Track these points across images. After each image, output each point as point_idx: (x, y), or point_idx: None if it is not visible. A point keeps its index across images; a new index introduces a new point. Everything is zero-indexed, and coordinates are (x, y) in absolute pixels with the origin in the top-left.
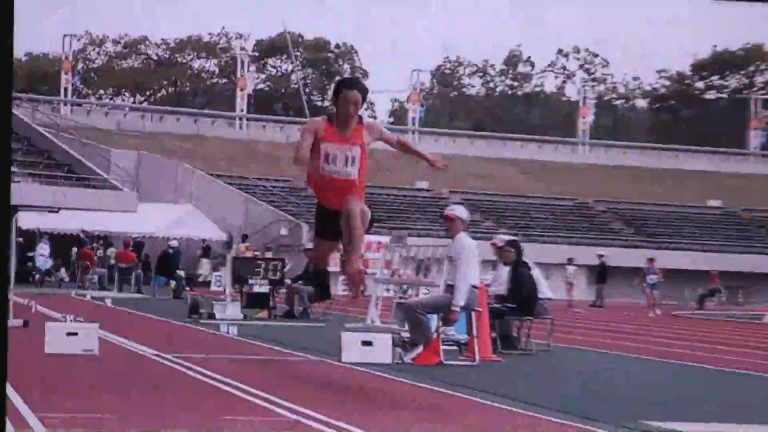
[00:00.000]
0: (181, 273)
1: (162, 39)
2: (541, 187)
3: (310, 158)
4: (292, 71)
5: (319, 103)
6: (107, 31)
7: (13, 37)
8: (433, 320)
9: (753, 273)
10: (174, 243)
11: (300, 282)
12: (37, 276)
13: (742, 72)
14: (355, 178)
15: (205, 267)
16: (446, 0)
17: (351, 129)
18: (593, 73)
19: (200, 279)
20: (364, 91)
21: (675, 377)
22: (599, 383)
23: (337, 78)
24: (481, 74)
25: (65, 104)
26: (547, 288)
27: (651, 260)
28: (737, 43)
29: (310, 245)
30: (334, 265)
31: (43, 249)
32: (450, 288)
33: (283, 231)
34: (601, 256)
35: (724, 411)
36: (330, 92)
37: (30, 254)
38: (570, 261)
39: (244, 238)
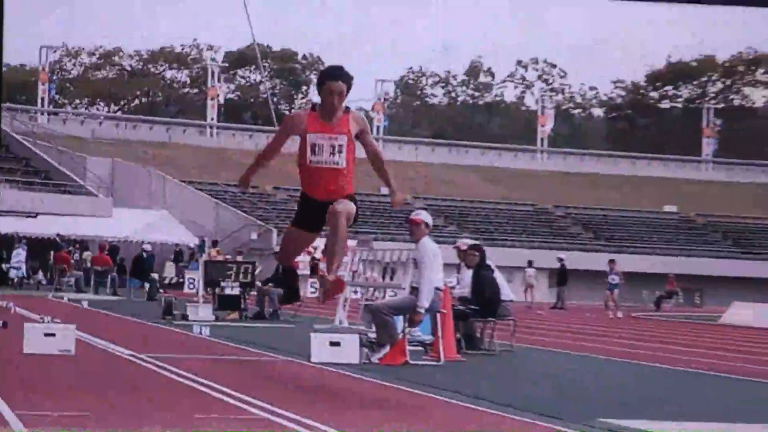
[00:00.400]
0: (155, 276)
1: (135, 50)
2: (501, 193)
3: (297, 154)
4: (261, 81)
5: (287, 112)
6: (83, 43)
7: (2, 49)
8: (399, 321)
9: (709, 276)
10: (148, 247)
11: (270, 284)
12: (15, 279)
13: (696, 82)
14: (343, 166)
15: (171, 270)
16: (412, 15)
17: (337, 119)
18: (551, 84)
19: (166, 281)
20: (348, 80)
21: (635, 377)
22: (561, 383)
23: (321, 68)
24: (443, 84)
25: (42, 113)
26: (509, 290)
27: (612, 262)
28: (691, 54)
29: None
30: (303, 267)
31: (20, 254)
32: (415, 290)
33: (253, 235)
34: (561, 259)
35: (683, 410)
36: (297, 100)
37: (9, 262)
38: (530, 264)
39: (215, 243)
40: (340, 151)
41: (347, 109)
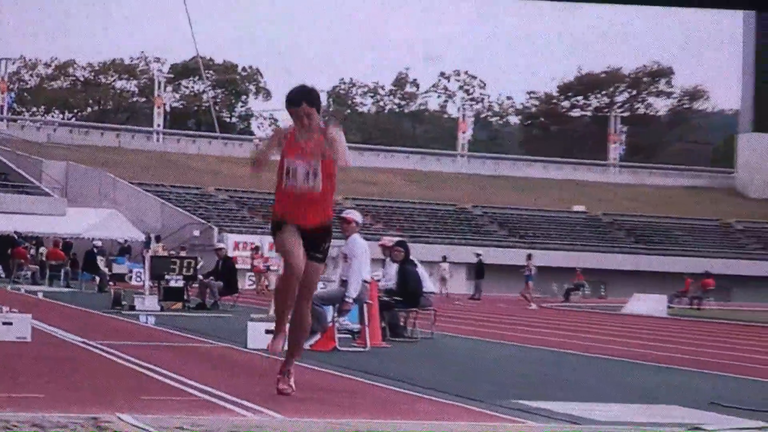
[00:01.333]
0: (105, 270)
1: (88, 62)
2: (424, 194)
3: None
4: (204, 91)
5: (228, 120)
6: (39, 55)
7: None
8: (329, 311)
9: (613, 269)
10: (98, 243)
11: (211, 278)
12: None
13: (603, 92)
14: (317, 191)
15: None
16: (347, 29)
17: (312, 141)
18: (472, 94)
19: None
20: (310, 98)
21: (546, 362)
22: (478, 367)
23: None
24: (371, 94)
25: (1, 120)
26: (430, 283)
27: (529, 257)
28: (599, 67)
29: (220, 245)
30: (242, 262)
31: None
32: (344, 283)
33: (196, 232)
34: (478, 254)
35: (590, 392)
36: (237, 109)
37: None
38: (444, 259)
39: (158, 239)
40: (314, 177)
41: (326, 124)
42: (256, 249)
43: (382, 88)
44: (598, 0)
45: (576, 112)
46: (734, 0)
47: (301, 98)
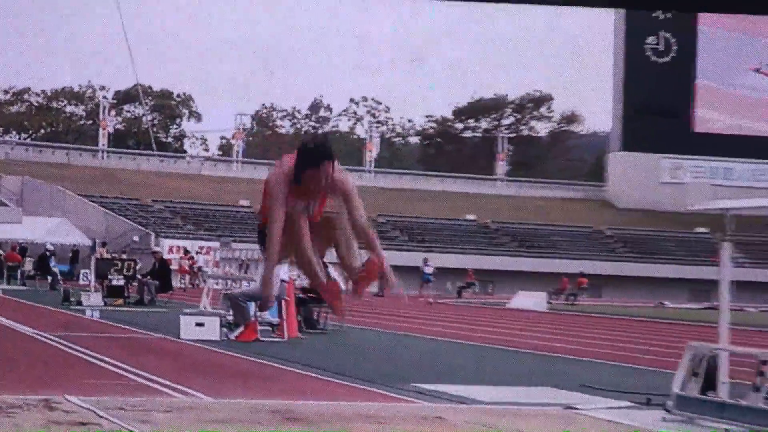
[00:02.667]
0: (56, 270)
1: (42, 90)
2: (336, 206)
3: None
4: (143, 115)
5: (164, 139)
6: None
7: None
8: (252, 306)
9: (500, 270)
10: (50, 247)
11: (148, 277)
12: None
13: (492, 116)
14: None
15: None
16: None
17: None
18: (377, 117)
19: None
20: (332, 157)
21: (438, 350)
22: (382, 355)
23: (300, 144)
24: (290, 118)
25: None
26: (341, 281)
27: (426, 260)
28: (489, 94)
29: (157, 249)
30: (175, 264)
31: None
32: None
33: (135, 238)
34: None
35: (475, 375)
36: (172, 130)
37: None
38: None
39: (103, 244)
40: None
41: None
42: (185, 251)
43: (299, 111)
44: None
45: (468, 134)
46: None
47: (324, 155)
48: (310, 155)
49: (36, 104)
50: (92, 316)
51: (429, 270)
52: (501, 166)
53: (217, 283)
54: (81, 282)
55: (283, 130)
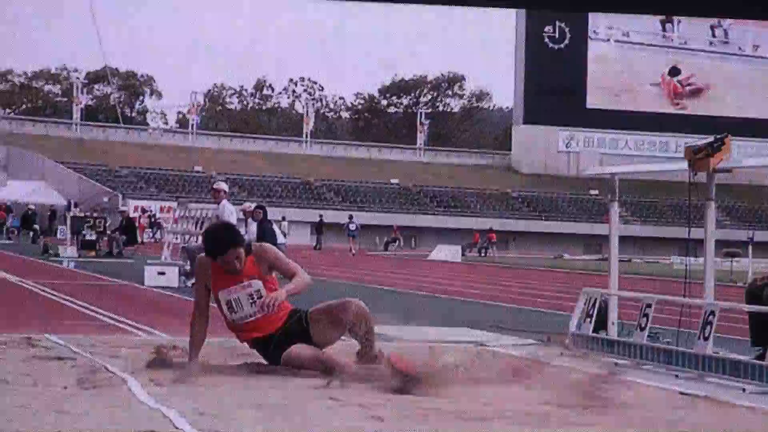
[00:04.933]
0: (37, 226)
1: (23, 71)
2: (278, 170)
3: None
4: (111, 93)
5: (129, 114)
6: None
7: None
8: None
9: (422, 227)
10: (32, 207)
11: (117, 232)
12: None
13: (413, 93)
14: (273, 312)
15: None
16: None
17: (242, 267)
18: (313, 95)
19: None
20: (241, 241)
21: (368, 295)
22: (311, 298)
23: (204, 233)
24: (238, 95)
25: None
26: (282, 237)
27: (351, 216)
28: (410, 74)
29: (123, 208)
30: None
31: None
32: None
33: (105, 199)
34: (320, 216)
35: (400, 316)
36: (137, 106)
37: None
38: (283, 218)
39: (77, 204)
40: (260, 297)
41: (248, 249)
42: (143, 210)
43: (245, 90)
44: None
45: (392, 109)
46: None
47: (230, 241)
48: (218, 243)
49: (19, 84)
50: (68, 266)
51: (353, 227)
52: (420, 137)
53: (176, 238)
54: (59, 237)
55: (232, 106)
